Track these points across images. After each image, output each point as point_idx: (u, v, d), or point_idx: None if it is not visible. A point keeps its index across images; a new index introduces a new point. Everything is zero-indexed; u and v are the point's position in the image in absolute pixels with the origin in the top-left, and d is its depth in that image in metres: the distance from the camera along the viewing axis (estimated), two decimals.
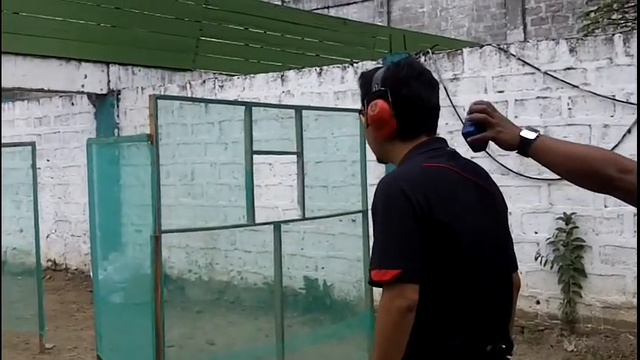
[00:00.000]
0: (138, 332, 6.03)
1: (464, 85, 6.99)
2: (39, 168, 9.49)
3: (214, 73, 10.68)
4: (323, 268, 7.98)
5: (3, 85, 9.30)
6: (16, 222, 11.34)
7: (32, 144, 7.04)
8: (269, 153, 6.12)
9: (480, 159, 6.70)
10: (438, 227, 2.05)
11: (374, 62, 7.73)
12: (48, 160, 10.68)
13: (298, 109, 5.52)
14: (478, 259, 2.13)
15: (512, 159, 6.59)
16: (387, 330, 2.02)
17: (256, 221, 5.12)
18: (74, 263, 10.69)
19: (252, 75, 8.68)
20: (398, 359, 2.04)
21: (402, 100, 2.19)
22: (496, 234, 2.24)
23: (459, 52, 7.10)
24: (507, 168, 6.62)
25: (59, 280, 10.35)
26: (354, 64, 7.90)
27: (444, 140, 2.30)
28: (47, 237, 10.65)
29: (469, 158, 2.32)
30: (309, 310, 7.73)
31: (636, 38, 6.17)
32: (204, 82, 9.20)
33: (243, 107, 5.10)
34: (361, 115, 2.31)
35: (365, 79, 2.30)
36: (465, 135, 2.15)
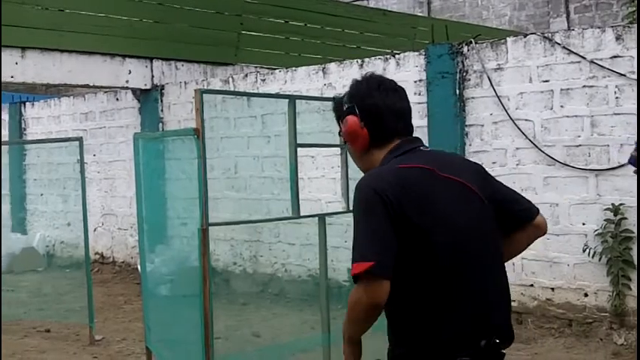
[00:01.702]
0: (185, 324, 6.11)
1: (508, 74, 6.92)
2: (86, 163, 9.66)
3: (255, 67, 10.74)
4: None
5: (50, 82, 9.50)
6: (64, 216, 11.58)
7: (79, 139, 7.15)
8: (312, 146, 6.13)
9: (527, 149, 6.65)
10: (411, 226, 2.17)
11: (415, 53, 7.70)
12: (94, 155, 10.85)
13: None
14: (457, 255, 2.22)
15: (558, 149, 6.51)
16: (355, 318, 2.26)
17: (300, 214, 5.13)
18: (121, 256, 10.86)
19: (293, 68, 8.71)
20: (365, 330, 2.29)
21: (367, 110, 2.35)
22: (478, 227, 2.29)
23: (503, 41, 7.02)
24: (554, 159, 6.53)
25: (107, 273, 10.53)
26: (396, 56, 7.87)
27: (418, 139, 2.41)
28: (94, 230, 10.83)
29: (447, 152, 2.49)
30: None
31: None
32: (246, 75, 9.25)
33: (287, 100, 5.11)
34: (340, 136, 2.50)
35: (336, 104, 2.51)
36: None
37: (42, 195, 12.17)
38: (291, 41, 11.45)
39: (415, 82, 7.56)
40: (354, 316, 2.26)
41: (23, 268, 10.93)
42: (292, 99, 5.11)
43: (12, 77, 8.90)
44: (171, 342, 6.07)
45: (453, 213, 2.24)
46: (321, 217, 5.35)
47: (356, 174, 5.67)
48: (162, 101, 10.08)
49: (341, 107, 2.46)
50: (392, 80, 2.48)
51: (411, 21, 13.40)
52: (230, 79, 9.34)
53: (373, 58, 8.06)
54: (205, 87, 9.42)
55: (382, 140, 2.38)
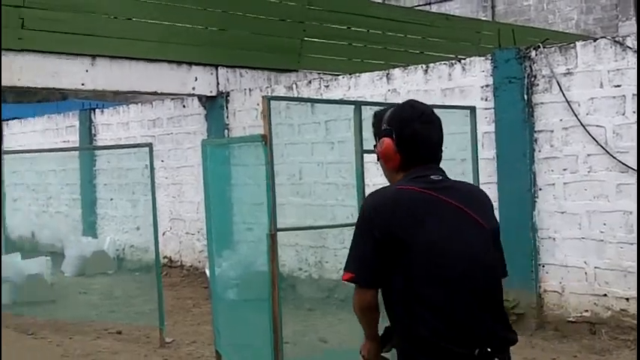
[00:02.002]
0: (253, 328, 6.18)
1: (578, 79, 6.80)
2: (154, 168, 9.86)
3: (318, 73, 10.81)
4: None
5: (119, 89, 9.75)
6: (133, 220, 11.85)
7: (149, 145, 7.31)
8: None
9: (599, 156, 6.52)
10: (397, 240, 2.46)
11: (482, 58, 7.63)
12: (162, 161, 11.07)
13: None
14: (443, 267, 2.45)
15: (631, 156, 6.36)
16: (358, 317, 2.66)
17: None
18: (189, 260, 11.05)
19: (357, 74, 8.74)
20: (370, 326, 2.68)
21: (404, 138, 2.60)
22: (469, 246, 2.51)
23: (572, 45, 6.91)
24: (627, 165, 6.39)
25: (175, 277, 10.72)
26: (462, 61, 7.81)
27: (436, 168, 2.65)
28: (163, 235, 11.05)
29: (460, 181, 2.72)
30: None
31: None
32: (309, 82, 9.32)
33: (351, 106, 5.13)
34: (374, 148, 2.72)
35: (376, 119, 2.73)
36: None
37: (112, 200, 12.47)
38: (354, 47, 11.47)
39: (482, 87, 7.50)
40: (357, 315, 2.66)
41: (94, 270, 11.21)
42: (358, 105, 5.13)
43: (82, 85, 9.16)
44: (240, 346, 6.16)
45: (442, 231, 2.49)
46: None
47: None
48: (227, 108, 10.23)
49: (380, 125, 2.67)
50: (431, 111, 2.67)
51: (475, 25, 13.30)
52: (294, 86, 9.43)
53: (438, 63, 8.02)
54: (269, 94, 9.52)
55: (410, 166, 2.63)
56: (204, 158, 6.63)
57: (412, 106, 2.69)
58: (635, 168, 6.34)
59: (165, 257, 11.09)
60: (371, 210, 2.55)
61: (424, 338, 2.44)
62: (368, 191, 6.86)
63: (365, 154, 5.08)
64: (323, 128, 8.88)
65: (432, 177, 2.59)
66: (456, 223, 2.53)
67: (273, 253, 4.66)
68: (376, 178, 9.07)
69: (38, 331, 7.77)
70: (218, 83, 10.22)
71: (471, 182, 5.92)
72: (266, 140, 4.63)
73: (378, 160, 2.71)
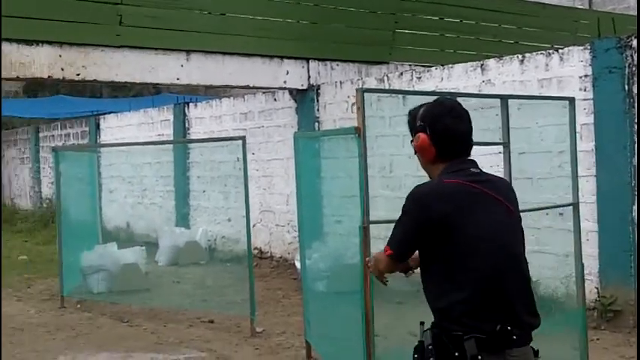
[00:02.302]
0: (344, 320, 6.18)
1: None
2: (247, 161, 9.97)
3: (410, 65, 10.70)
4: (528, 262, 7.74)
5: (212, 83, 9.91)
6: (225, 212, 12.05)
7: (242, 138, 7.39)
8: (474, 144, 5.96)
9: None
10: (440, 229, 2.76)
11: (580, 48, 7.38)
12: (253, 154, 11.20)
13: (504, 98, 5.38)
14: (478, 249, 2.75)
15: None
16: (374, 268, 3.15)
17: None
18: (278, 252, 11.16)
19: (450, 65, 8.59)
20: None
21: (437, 132, 2.88)
22: (503, 231, 2.82)
23: None
24: None
25: (265, 268, 10.84)
26: (559, 51, 7.57)
27: (471, 161, 2.94)
28: (253, 226, 11.16)
29: (497, 176, 3.07)
30: None
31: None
32: (401, 74, 9.23)
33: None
34: (411, 144, 3.00)
35: (411, 116, 3.03)
36: None
37: (204, 191, 12.72)
38: (446, 38, 11.32)
39: (580, 77, 7.25)
40: (374, 266, 3.16)
41: (187, 260, 11.46)
42: (453, 97, 5.02)
43: (177, 79, 9.36)
44: (331, 337, 6.16)
45: (479, 217, 2.78)
46: None
47: (516, 173, 5.51)
48: (318, 101, 10.26)
49: (414, 122, 2.97)
50: (460, 106, 2.96)
51: (572, 14, 12.88)
52: (385, 78, 9.36)
53: (535, 53, 7.80)
54: (360, 86, 9.48)
55: (444, 158, 2.91)
56: (297, 151, 6.67)
57: (442, 102, 3.01)
58: None
59: (255, 248, 11.22)
60: (418, 200, 2.85)
61: (455, 317, 2.74)
62: None
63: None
64: None
65: (471, 170, 2.89)
66: (495, 214, 2.83)
67: (365, 245, 4.63)
68: None
69: (133, 319, 8.00)
70: (309, 76, 10.26)
71: (568, 175, 5.79)
72: (359, 132, 4.60)
73: (415, 153, 3.00)
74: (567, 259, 7.03)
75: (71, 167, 9.82)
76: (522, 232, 2.96)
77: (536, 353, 2.90)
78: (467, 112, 2.95)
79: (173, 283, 10.24)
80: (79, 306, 8.72)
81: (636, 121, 6.00)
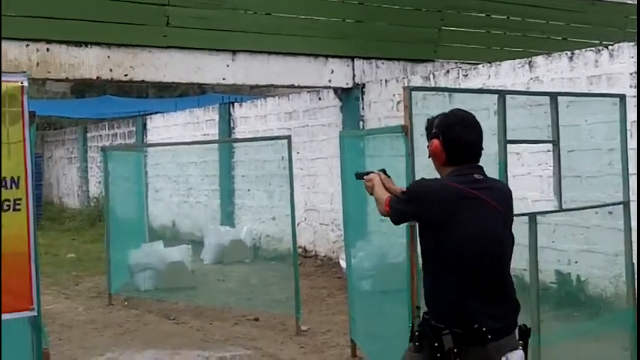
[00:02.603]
0: (388, 319, 6.16)
1: None
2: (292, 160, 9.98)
3: (455, 63, 10.61)
4: (576, 262, 7.63)
5: (258, 83, 9.96)
6: (269, 210, 12.10)
7: (288, 137, 7.40)
8: (524, 142, 5.93)
9: None
10: (435, 219, 3.14)
11: (631, 44, 7.24)
12: (298, 153, 11.21)
13: (554, 96, 5.30)
14: (467, 248, 3.08)
15: None
16: (379, 209, 3.48)
17: None
18: (323, 250, 11.16)
19: (497, 62, 8.50)
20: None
21: (448, 140, 3.23)
22: (490, 236, 3.14)
23: None
24: None
25: (309, 266, 10.85)
26: (609, 47, 7.43)
27: (478, 167, 3.25)
28: (298, 225, 11.16)
29: (499, 182, 3.49)
30: (561, 305, 7.42)
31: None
32: (447, 72, 9.16)
33: (490, 96, 4.99)
34: (428, 148, 3.36)
35: (428, 124, 3.40)
36: None
37: (249, 190, 12.80)
38: (493, 35, 11.20)
39: (631, 74, 7.11)
40: (377, 204, 3.56)
41: (232, 259, 11.52)
42: (502, 94, 4.98)
43: (224, 79, 9.42)
44: (376, 336, 6.15)
45: (469, 221, 3.10)
46: (532, 216, 5.17)
47: (565, 171, 5.41)
48: (363, 99, 10.24)
49: (431, 129, 3.34)
50: (472, 116, 3.29)
51: (621, 10, 12.62)
52: (431, 76, 9.30)
53: (584, 50, 7.67)
54: (406, 84, 9.43)
55: (454, 163, 3.24)
56: (342, 149, 6.66)
57: (455, 114, 3.33)
58: None
59: (299, 247, 11.23)
60: (421, 191, 3.26)
61: (438, 313, 3.14)
62: (511, 182, 6.72)
63: (508, 145, 4.94)
64: None
65: (474, 176, 3.20)
66: (486, 219, 3.14)
67: (412, 243, 4.59)
68: (516, 169, 8.83)
69: (179, 316, 8.07)
70: (354, 75, 10.25)
71: (618, 173, 5.67)
72: (406, 131, 4.57)
73: (429, 157, 3.36)
74: (617, 259, 6.91)
75: (119, 167, 9.95)
76: (512, 236, 3.30)
77: (525, 332, 3.25)
78: (478, 123, 3.30)
79: (218, 281, 10.31)
80: (126, 303, 8.84)
81: (636, 121, 5.86)
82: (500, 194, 3.26)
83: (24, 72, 3.98)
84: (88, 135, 20.00)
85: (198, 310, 8.34)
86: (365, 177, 3.73)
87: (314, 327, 7.40)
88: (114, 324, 7.80)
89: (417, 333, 3.22)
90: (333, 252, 10.73)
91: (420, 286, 4.61)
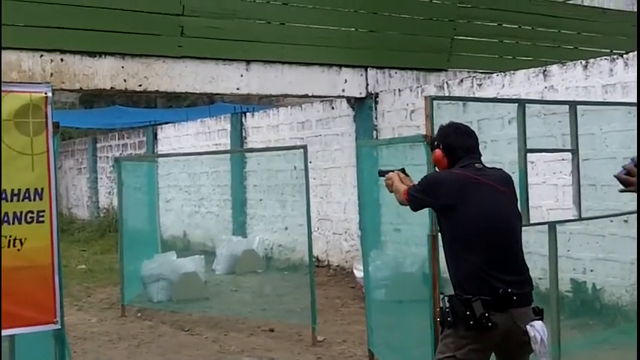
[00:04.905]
0: (406, 329, 6.14)
1: None
2: (302, 169, 9.95)
3: (468, 72, 10.61)
4: (592, 270, 7.60)
5: (272, 92, 9.96)
6: (282, 220, 12.08)
7: (304, 147, 7.40)
8: (543, 151, 5.91)
9: None
10: (446, 203, 3.64)
11: None
12: (310, 162, 11.12)
13: (572, 105, 5.30)
14: (478, 226, 3.55)
15: None
16: (399, 199, 3.94)
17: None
18: (336, 260, 11.13)
19: (512, 72, 8.49)
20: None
21: (446, 147, 3.81)
22: (500, 212, 3.63)
23: None
24: None
25: (322, 276, 10.81)
26: (624, 56, 7.42)
27: (473, 158, 3.77)
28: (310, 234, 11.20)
29: (496, 169, 3.86)
30: (576, 313, 7.39)
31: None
32: (461, 81, 9.15)
33: (506, 105, 4.99)
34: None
35: (432, 139, 4.08)
36: None
37: (261, 200, 12.78)
38: (505, 44, 11.21)
39: None
40: (390, 185, 4.06)
41: (244, 269, 11.49)
42: (522, 103, 4.98)
43: (237, 89, 9.42)
44: (394, 346, 6.12)
45: (479, 201, 3.57)
46: (552, 225, 5.16)
47: (581, 180, 5.38)
48: (376, 109, 10.23)
49: (433, 142, 3.99)
50: (466, 126, 3.90)
51: (633, 19, 12.61)
52: (445, 85, 9.29)
53: (599, 58, 7.66)
54: (420, 94, 9.44)
55: (454, 164, 3.77)
56: (359, 159, 6.65)
57: (450, 125, 3.91)
58: None
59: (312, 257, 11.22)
60: (433, 180, 3.84)
61: (465, 286, 3.53)
62: (536, 190, 6.70)
63: (528, 153, 4.94)
64: (475, 127, 8.58)
65: (475, 165, 3.73)
66: (493, 199, 3.62)
67: (434, 253, 4.59)
68: (531, 178, 8.82)
69: (194, 328, 8.04)
70: (367, 84, 10.25)
71: (636, 182, 5.62)
72: (428, 140, 4.57)
73: (434, 165, 3.96)
74: (632, 267, 6.87)
75: (131, 177, 9.96)
76: (518, 211, 3.84)
77: (539, 312, 3.56)
78: (472, 132, 3.88)
79: (231, 291, 10.29)
80: (139, 314, 8.81)
81: (636, 120, 5.81)
82: (501, 178, 3.75)
83: (48, 83, 4.00)
84: (98, 145, 20.02)
85: (212, 321, 8.31)
86: (385, 175, 4.13)
87: (330, 337, 7.37)
88: (128, 336, 7.77)
89: (447, 309, 3.55)
90: (347, 261, 10.70)
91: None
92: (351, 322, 8.02)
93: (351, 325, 7.88)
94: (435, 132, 4.02)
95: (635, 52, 7.33)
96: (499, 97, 8.20)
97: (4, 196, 3.68)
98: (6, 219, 3.69)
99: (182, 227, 15.06)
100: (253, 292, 10.09)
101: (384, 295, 7.54)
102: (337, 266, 11.08)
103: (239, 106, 14.82)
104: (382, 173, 4.22)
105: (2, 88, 3.76)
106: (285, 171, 11.61)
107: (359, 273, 8.89)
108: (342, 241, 10.96)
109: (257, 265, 11.71)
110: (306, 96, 10.19)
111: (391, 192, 4.06)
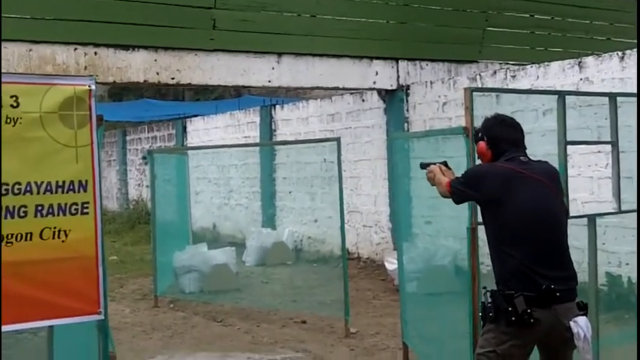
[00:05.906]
0: (442, 321, 6.12)
1: None
2: (331, 162, 9.93)
3: (500, 63, 10.54)
4: (627, 264, 7.51)
5: (303, 85, 9.96)
6: (311, 212, 12.09)
7: (337, 139, 7.39)
8: (583, 143, 5.87)
9: None
10: (491, 196, 3.62)
11: None
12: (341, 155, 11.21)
13: (612, 97, 5.24)
14: (523, 220, 3.52)
15: None
16: (438, 189, 3.99)
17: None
18: (366, 252, 11.12)
19: (546, 63, 8.41)
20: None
21: (491, 139, 3.80)
22: (545, 206, 3.59)
23: None
24: None
25: (352, 269, 10.78)
26: None
27: (519, 151, 3.74)
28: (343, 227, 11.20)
29: (542, 161, 3.82)
30: (611, 307, 7.32)
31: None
32: (494, 72, 9.09)
33: (540, 97, 4.95)
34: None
35: (475, 131, 4.04)
36: None
37: (290, 192, 12.80)
38: (537, 35, 11.12)
39: None
40: (432, 179, 4.06)
41: (274, 261, 11.53)
42: (562, 95, 4.94)
43: (269, 82, 9.44)
44: (429, 339, 6.11)
45: (524, 194, 3.55)
46: (591, 218, 5.11)
47: (625, 173, 5.33)
48: (407, 101, 10.20)
49: (477, 134, 3.94)
50: (512, 118, 3.87)
51: None
52: (477, 77, 9.23)
53: (635, 49, 7.55)
54: (451, 85, 9.39)
55: (499, 157, 3.75)
56: (392, 151, 6.63)
57: (495, 117, 3.90)
58: None
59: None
60: (477, 173, 3.82)
61: (508, 281, 3.50)
62: (571, 183, 6.67)
63: (568, 145, 4.90)
64: None
65: (521, 158, 3.69)
66: (538, 192, 3.59)
67: (474, 246, 4.55)
68: (571, 169, 8.69)
69: (226, 319, 8.07)
70: (398, 77, 10.22)
71: None
72: (468, 132, 4.54)
73: (478, 157, 3.92)
74: None
75: (163, 169, 10.02)
76: (564, 205, 3.88)
77: (584, 307, 3.55)
78: (518, 124, 3.85)
79: (262, 283, 10.33)
80: (171, 305, 8.87)
81: (636, 119, 5.72)
82: (546, 171, 3.71)
83: (91, 75, 4.03)
84: (127, 138, 20.17)
85: (244, 313, 8.34)
86: (427, 168, 4.13)
87: (362, 329, 7.37)
88: (162, 326, 7.83)
89: (489, 305, 3.53)
90: (377, 254, 10.69)
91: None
92: (383, 315, 8.02)
93: (383, 318, 7.87)
94: (478, 124, 4.00)
95: None
96: (534, 89, 8.12)
97: (49, 187, 3.72)
98: (51, 210, 3.73)
99: (211, 219, 15.13)
100: (284, 283, 10.11)
101: (416, 288, 7.53)
102: (367, 259, 11.07)
103: (267, 99, 14.83)
104: (424, 166, 4.20)
105: (46, 81, 3.80)
106: (314, 163, 11.61)
107: (390, 265, 8.88)
108: (372, 234, 10.95)
109: (287, 257, 11.73)
110: (337, 88, 10.19)
111: (433, 185, 4.04)
